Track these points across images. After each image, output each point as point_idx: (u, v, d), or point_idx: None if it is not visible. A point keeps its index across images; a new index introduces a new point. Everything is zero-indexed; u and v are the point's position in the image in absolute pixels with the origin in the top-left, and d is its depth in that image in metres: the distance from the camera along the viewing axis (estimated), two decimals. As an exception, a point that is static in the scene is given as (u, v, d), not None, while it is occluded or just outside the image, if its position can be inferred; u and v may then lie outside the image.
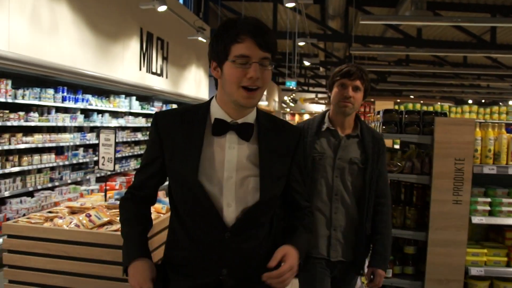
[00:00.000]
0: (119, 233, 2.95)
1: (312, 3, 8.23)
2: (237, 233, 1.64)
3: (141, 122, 9.20)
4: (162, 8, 6.68)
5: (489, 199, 2.98)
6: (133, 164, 8.98)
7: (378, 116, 3.50)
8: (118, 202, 3.43)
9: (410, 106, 5.75)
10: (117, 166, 7.87)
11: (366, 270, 2.54)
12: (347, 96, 2.44)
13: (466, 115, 5.96)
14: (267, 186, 1.65)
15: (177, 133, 1.64)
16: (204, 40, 9.73)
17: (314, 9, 14.77)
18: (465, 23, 10.74)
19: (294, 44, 12.41)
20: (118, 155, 8.00)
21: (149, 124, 9.45)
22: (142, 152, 9.40)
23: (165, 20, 9.03)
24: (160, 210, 3.57)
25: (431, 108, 6.05)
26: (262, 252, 1.72)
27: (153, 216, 3.36)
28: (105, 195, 3.52)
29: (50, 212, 3.37)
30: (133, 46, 8.18)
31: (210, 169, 1.60)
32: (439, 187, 2.99)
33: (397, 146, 5.38)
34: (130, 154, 8.89)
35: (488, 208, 2.96)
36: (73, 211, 3.29)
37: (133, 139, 8.87)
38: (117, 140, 7.57)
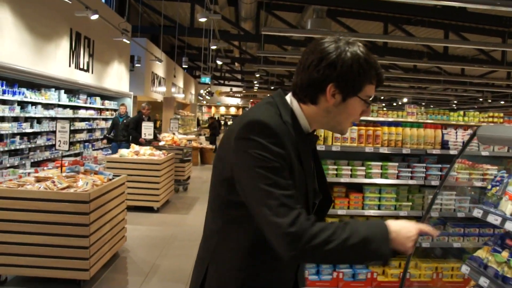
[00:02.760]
0: (78, 192, 4.14)
1: (220, 18, 9.55)
2: None
3: (69, 113, 10.05)
4: (95, 17, 7.72)
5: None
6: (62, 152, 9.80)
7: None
8: (72, 173, 4.61)
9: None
10: (47, 153, 8.83)
11: None
12: None
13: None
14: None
15: (293, 145, 1.49)
16: (128, 42, 10.74)
17: (229, 11, 16.06)
18: (357, 38, 12.13)
19: (209, 43, 13.42)
20: (49, 143, 8.89)
21: (76, 115, 10.38)
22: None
23: (92, 21, 9.81)
24: (102, 180, 4.78)
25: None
26: None
27: (98, 183, 4.64)
28: (61, 169, 4.69)
29: (18, 181, 4.48)
30: (64, 45, 9.07)
31: None
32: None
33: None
34: (59, 142, 9.73)
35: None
36: (38, 180, 4.43)
37: (61, 129, 9.72)
38: (47, 130, 8.58)
